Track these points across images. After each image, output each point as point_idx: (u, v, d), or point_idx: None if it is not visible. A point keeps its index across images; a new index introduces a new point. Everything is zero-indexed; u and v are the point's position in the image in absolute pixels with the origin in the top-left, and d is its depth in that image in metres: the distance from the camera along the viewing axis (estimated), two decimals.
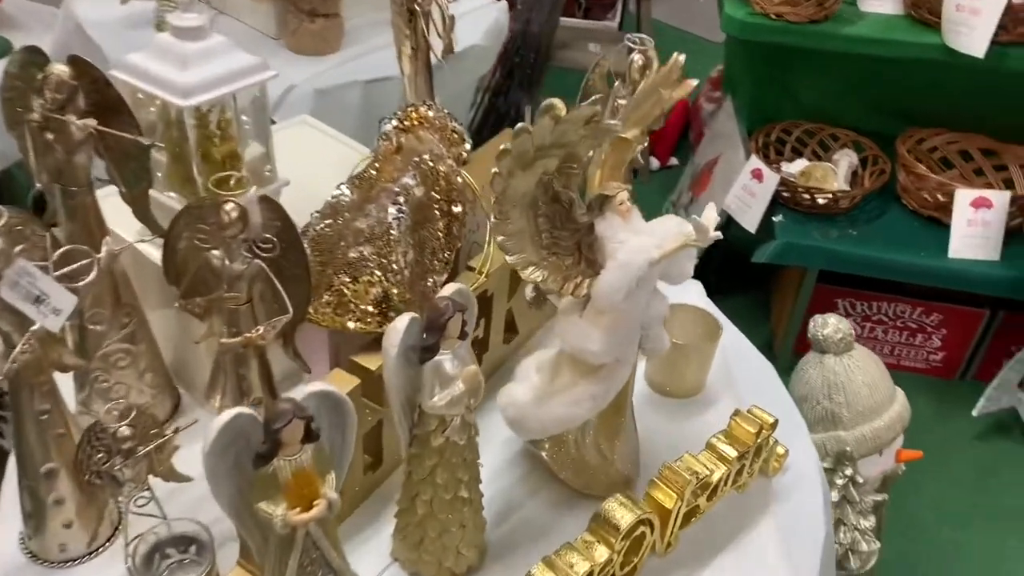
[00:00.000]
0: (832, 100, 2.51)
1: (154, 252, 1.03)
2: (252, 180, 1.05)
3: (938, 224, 2.24)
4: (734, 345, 1.23)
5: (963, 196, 2.18)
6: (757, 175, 2.28)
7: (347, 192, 1.02)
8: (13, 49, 2.07)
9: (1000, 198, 2.16)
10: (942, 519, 2.06)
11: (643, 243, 0.84)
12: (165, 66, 0.93)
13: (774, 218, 2.25)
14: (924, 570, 1.97)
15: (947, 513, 2.08)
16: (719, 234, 0.82)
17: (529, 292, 1.02)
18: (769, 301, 2.62)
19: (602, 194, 0.86)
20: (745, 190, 2.29)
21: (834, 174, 2.31)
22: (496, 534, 0.98)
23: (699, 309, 1.18)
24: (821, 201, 2.26)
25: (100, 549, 0.94)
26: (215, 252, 0.84)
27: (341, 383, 0.91)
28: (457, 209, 1.04)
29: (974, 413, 2.19)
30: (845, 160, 2.37)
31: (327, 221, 0.98)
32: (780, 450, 1.07)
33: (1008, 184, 2.30)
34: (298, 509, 0.71)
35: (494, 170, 0.82)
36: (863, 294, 2.38)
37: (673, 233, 0.85)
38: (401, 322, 0.81)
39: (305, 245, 0.94)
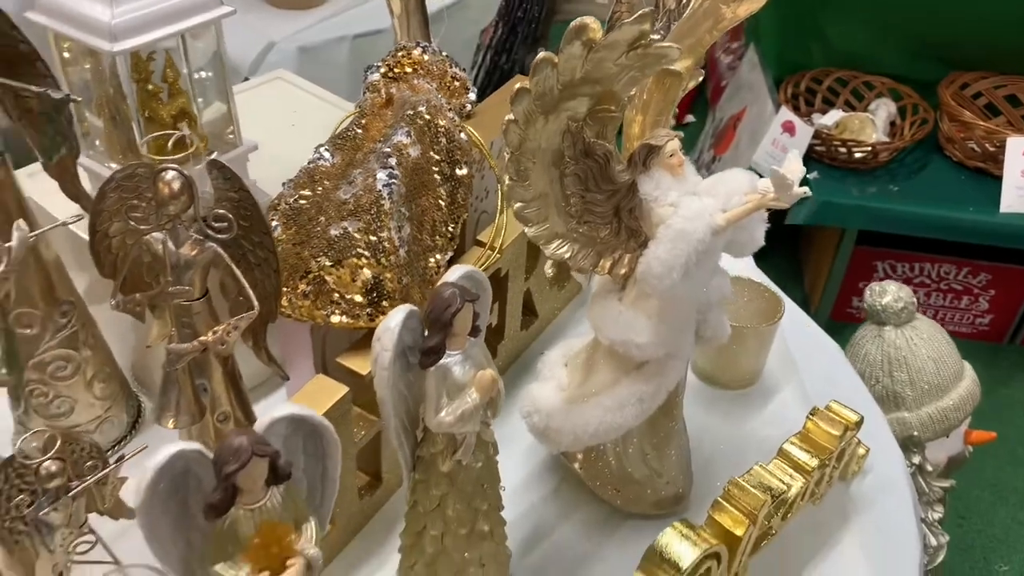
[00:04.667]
0: (866, 45, 2.29)
1: None
2: (212, 145, 0.87)
3: (987, 176, 2.06)
4: (793, 323, 1.04)
5: (1015, 144, 1.99)
6: (788, 128, 2.09)
7: (327, 155, 0.83)
8: None
9: None
10: (999, 499, 1.89)
11: (703, 206, 0.65)
12: (91, 2, 0.74)
13: (808, 175, 2.05)
14: (980, 555, 1.80)
15: (1005, 492, 1.90)
16: (806, 189, 0.63)
17: (548, 268, 0.84)
18: (799, 263, 2.42)
19: (647, 143, 0.67)
20: (775, 145, 2.09)
21: (872, 125, 2.11)
22: (522, 567, 0.81)
23: (754, 283, 0.99)
24: (859, 155, 2.06)
25: None
26: (155, 235, 0.66)
27: (327, 392, 0.73)
28: (462, 172, 0.86)
29: None
30: (883, 110, 2.17)
31: (303, 192, 0.80)
32: (860, 450, 0.89)
33: None
34: (267, 573, 0.54)
35: (508, 117, 0.64)
36: (904, 255, 2.19)
37: (742, 191, 0.66)
38: (395, 318, 0.62)
39: (274, 222, 0.76)
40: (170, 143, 0.62)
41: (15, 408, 0.85)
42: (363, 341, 0.79)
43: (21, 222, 0.67)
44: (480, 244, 0.88)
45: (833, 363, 1.04)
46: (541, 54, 0.60)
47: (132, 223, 0.66)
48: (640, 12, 0.56)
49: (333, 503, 0.62)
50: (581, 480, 0.86)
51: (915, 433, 1.31)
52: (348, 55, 1.69)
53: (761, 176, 0.68)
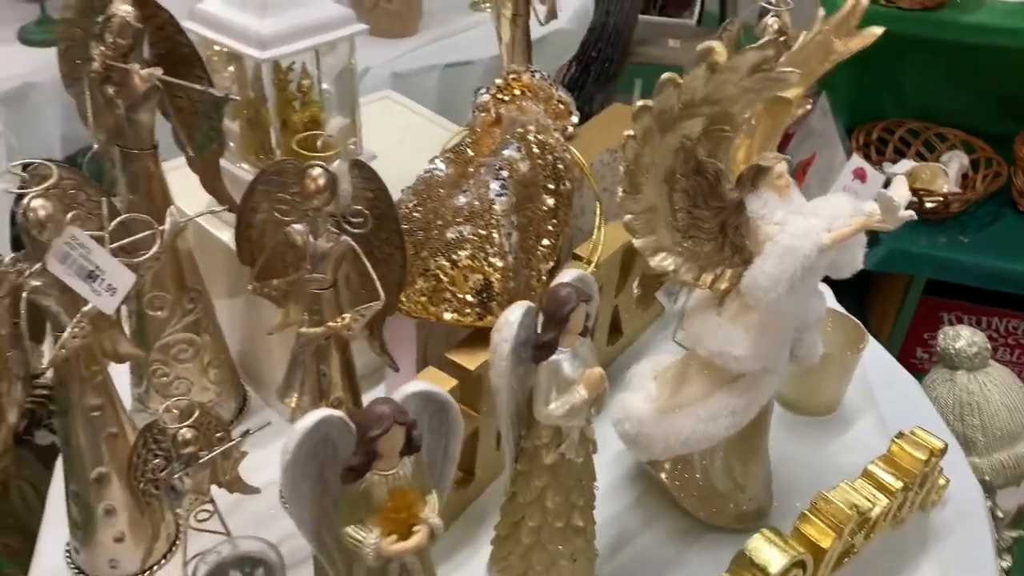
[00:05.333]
0: (940, 97, 2.31)
1: (223, 230, 0.91)
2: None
3: None
4: (873, 355, 1.07)
5: None
6: (860, 175, 2.09)
7: (441, 166, 0.89)
8: None
9: None
10: None
11: (810, 225, 0.69)
12: (242, 14, 0.81)
13: None
14: None
15: None
16: (912, 213, 0.67)
17: (636, 287, 0.88)
18: (865, 309, 2.42)
19: (757, 164, 0.71)
20: (846, 191, 2.10)
21: (944, 175, 2.12)
22: (607, 569, 0.84)
23: (838, 312, 1.02)
24: (929, 205, 2.06)
25: (155, 567, 0.82)
26: (297, 227, 0.72)
27: (435, 384, 0.77)
28: (565, 188, 0.90)
29: None
30: (955, 161, 2.17)
31: (420, 199, 0.85)
32: (941, 480, 0.90)
33: None
34: (394, 537, 0.58)
35: (627, 132, 0.69)
36: (972, 307, 2.18)
37: (846, 213, 0.70)
38: (515, 312, 0.67)
39: None
40: (319, 143, 0.68)
41: (136, 386, 0.92)
42: (467, 340, 0.83)
43: (175, 208, 0.73)
44: (577, 258, 0.93)
45: (911, 397, 1.06)
46: (665, 75, 0.65)
47: (277, 214, 0.72)
48: (764, 39, 0.61)
49: (450, 481, 0.66)
50: (665, 490, 0.89)
51: (987, 478, 1.31)
52: (437, 83, 1.77)
53: None
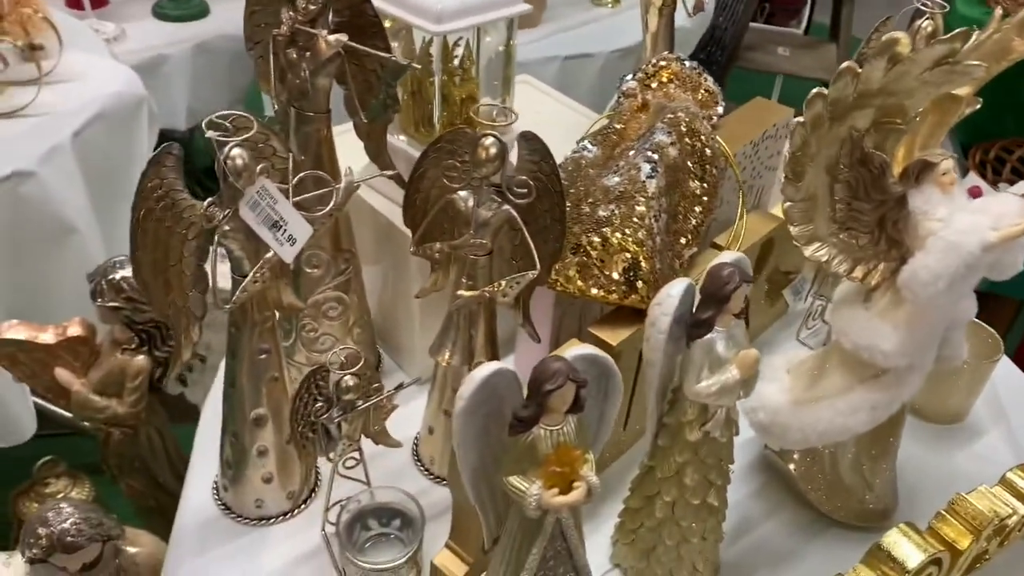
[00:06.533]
0: None
1: (375, 197, 0.95)
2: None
3: None
4: (1006, 370, 1.05)
5: None
6: (975, 194, 2.04)
7: (591, 147, 0.91)
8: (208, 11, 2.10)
9: None
10: None
11: (975, 222, 0.69)
12: None
13: None
14: None
15: None
16: None
17: (765, 283, 0.89)
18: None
19: (924, 160, 0.72)
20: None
21: None
22: (729, 554, 0.85)
23: (974, 321, 1.00)
24: None
25: (296, 511, 0.86)
26: (462, 192, 0.75)
27: None
28: (712, 175, 0.92)
29: None
30: None
31: (570, 178, 0.88)
32: None
33: None
34: (555, 490, 0.60)
35: (797, 119, 0.70)
36: None
37: (1014, 212, 0.69)
38: (677, 287, 0.69)
39: None
40: (494, 113, 0.71)
41: (284, 339, 0.96)
42: (608, 317, 0.85)
43: (351, 168, 0.77)
44: (717, 247, 0.94)
45: None
46: (845, 63, 0.66)
47: (446, 180, 0.75)
48: (957, 31, 0.61)
49: (603, 444, 0.68)
50: (791, 481, 0.89)
51: None
52: (556, 73, 1.79)
53: None
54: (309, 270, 0.90)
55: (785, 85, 2.67)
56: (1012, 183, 2.18)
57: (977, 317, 2.55)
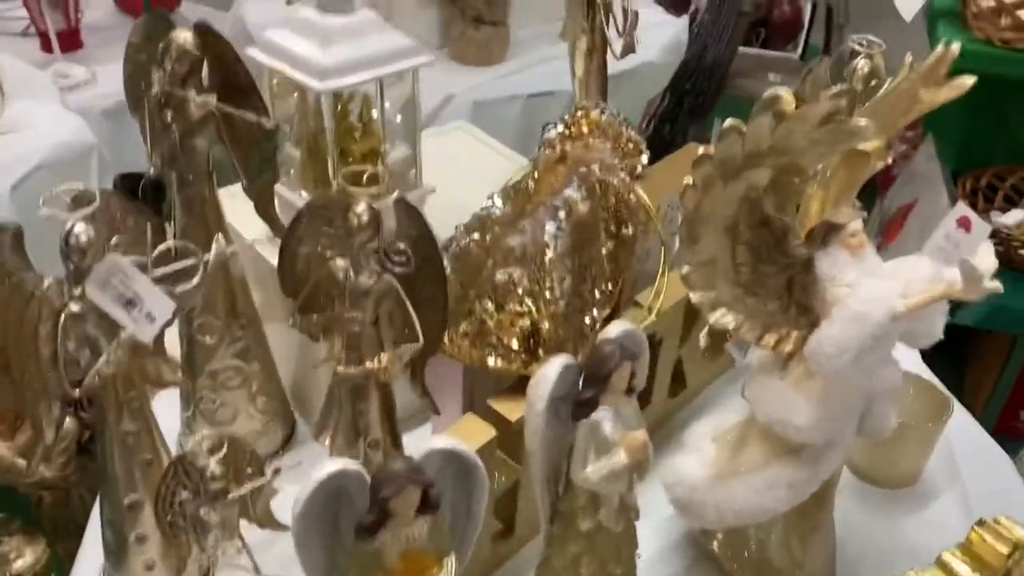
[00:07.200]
0: None
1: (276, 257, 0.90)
2: (394, 184, 0.91)
3: None
4: (960, 427, 0.98)
5: None
6: (964, 224, 1.96)
7: (499, 203, 0.86)
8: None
9: None
10: None
11: (884, 289, 0.63)
12: (305, 44, 0.80)
13: None
14: None
15: None
16: (998, 285, 0.60)
17: (703, 338, 0.83)
18: (962, 367, 2.27)
19: (829, 221, 0.66)
20: (948, 240, 1.98)
21: None
22: None
23: (922, 379, 0.94)
24: None
25: None
26: (339, 262, 0.70)
27: (474, 433, 0.74)
28: (627, 232, 0.86)
29: None
30: None
31: (474, 236, 0.82)
32: None
33: None
34: None
35: (687, 180, 0.64)
36: None
37: (925, 278, 0.63)
38: (552, 368, 0.63)
39: (445, 262, 0.79)
40: (364, 178, 0.66)
41: (184, 410, 0.91)
42: (513, 388, 0.80)
43: (221, 236, 0.72)
44: (638, 305, 0.88)
45: (1002, 476, 0.97)
46: (729, 121, 0.61)
47: (320, 248, 0.70)
48: (838, 89, 0.56)
49: (473, 542, 0.63)
50: (717, 562, 0.83)
51: None
52: (520, 113, 1.74)
53: None
54: (201, 338, 0.85)
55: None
56: (1004, 211, 2.11)
57: (969, 355, 2.45)
